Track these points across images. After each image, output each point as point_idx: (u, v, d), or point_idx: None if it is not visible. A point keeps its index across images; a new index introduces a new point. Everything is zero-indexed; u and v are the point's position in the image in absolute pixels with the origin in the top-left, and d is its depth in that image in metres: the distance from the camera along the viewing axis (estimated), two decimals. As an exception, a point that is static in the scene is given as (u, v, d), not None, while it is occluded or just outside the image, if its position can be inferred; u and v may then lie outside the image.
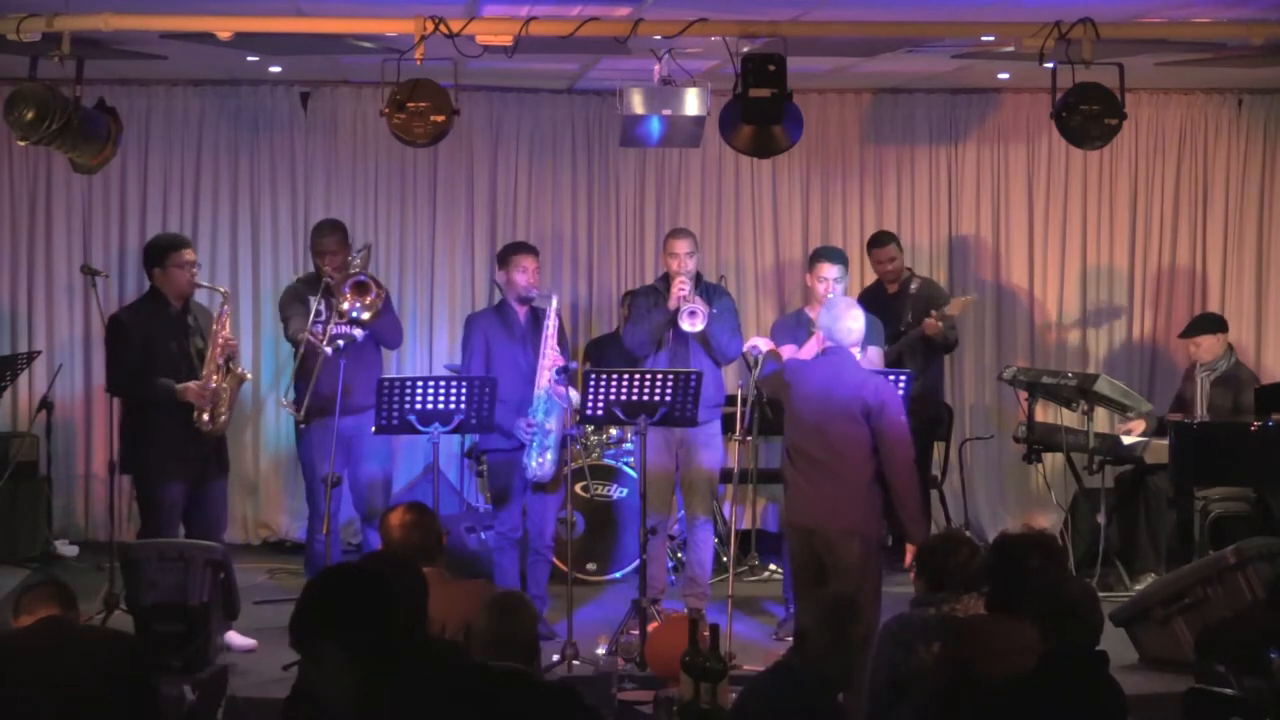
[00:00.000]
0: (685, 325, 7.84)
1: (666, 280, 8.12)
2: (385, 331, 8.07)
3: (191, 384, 7.56)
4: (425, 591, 4.51)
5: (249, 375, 7.87)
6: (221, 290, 7.97)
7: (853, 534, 6.51)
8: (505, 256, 8.07)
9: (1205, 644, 6.08)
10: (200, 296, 7.91)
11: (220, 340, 7.65)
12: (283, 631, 8.47)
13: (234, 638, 7.51)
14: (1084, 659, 4.56)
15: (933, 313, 9.01)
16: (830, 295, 7.85)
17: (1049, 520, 10.11)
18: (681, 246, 8.06)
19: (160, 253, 7.77)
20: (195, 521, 7.68)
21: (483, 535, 8.73)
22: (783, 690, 4.48)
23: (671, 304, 7.91)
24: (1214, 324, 9.25)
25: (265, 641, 7.67)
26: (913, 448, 6.65)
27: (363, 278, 7.81)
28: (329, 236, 8.07)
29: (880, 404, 6.49)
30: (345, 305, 7.74)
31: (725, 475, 9.09)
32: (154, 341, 7.63)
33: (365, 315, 7.79)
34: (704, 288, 8.09)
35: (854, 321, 6.67)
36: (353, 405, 7.67)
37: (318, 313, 7.88)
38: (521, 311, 7.96)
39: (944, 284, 10.16)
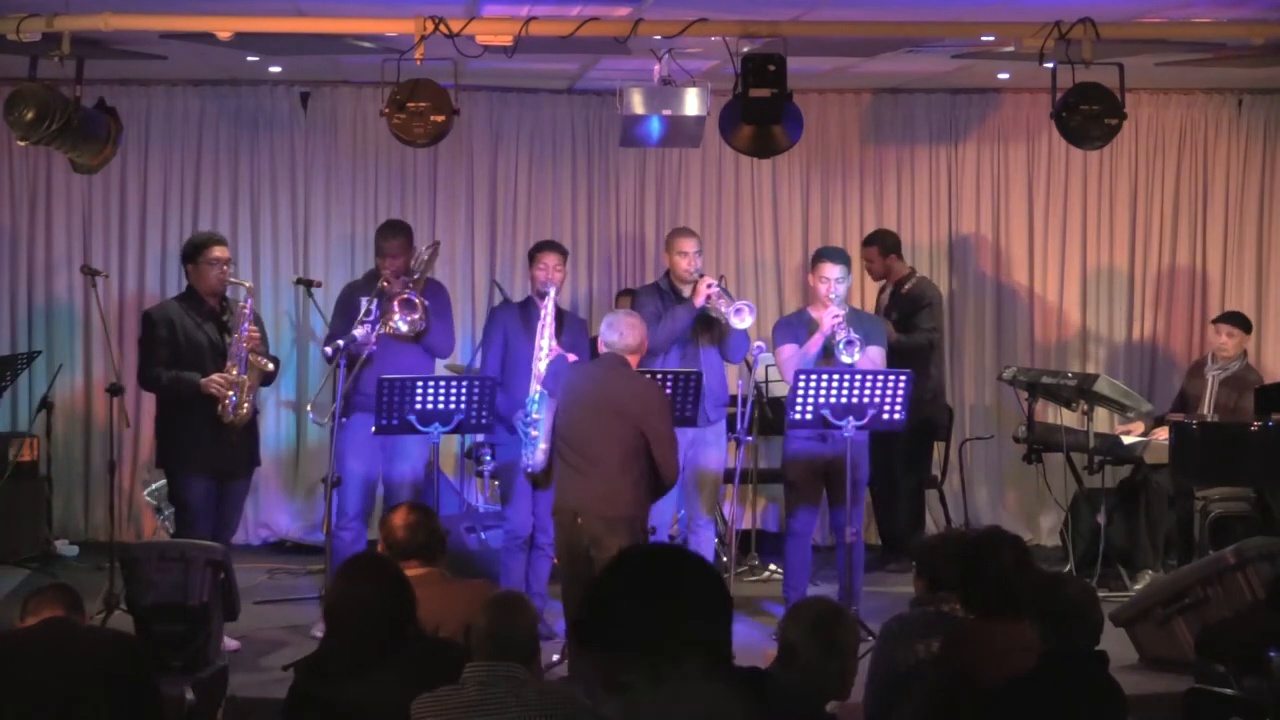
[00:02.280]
0: (736, 322, 7.82)
1: (669, 279, 8.13)
2: (434, 340, 8.08)
3: (215, 376, 7.58)
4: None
5: (271, 367, 7.87)
6: (246, 284, 7.99)
7: (619, 520, 6.69)
8: (531, 254, 8.14)
9: (1205, 644, 6.08)
10: (234, 292, 7.93)
11: (245, 332, 7.68)
12: (283, 631, 8.51)
13: None
14: (1084, 659, 4.56)
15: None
16: (833, 295, 7.86)
17: (1048, 521, 10.14)
18: (691, 245, 8.09)
19: (193, 249, 7.82)
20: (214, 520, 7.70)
21: (483, 535, 8.73)
22: (770, 702, 4.46)
23: (699, 301, 7.91)
24: (1242, 321, 9.26)
25: (266, 642, 7.68)
26: (673, 442, 6.91)
27: (412, 296, 7.84)
28: (391, 240, 8.02)
29: (643, 410, 6.77)
30: (395, 318, 7.78)
31: (725, 475, 9.09)
32: (185, 336, 7.66)
33: (404, 329, 7.83)
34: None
35: (628, 329, 6.89)
36: None
37: (367, 312, 7.88)
38: (543, 309, 7.94)
39: (944, 284, 10.17)
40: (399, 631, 4.59)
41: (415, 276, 7.96)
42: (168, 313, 7.78)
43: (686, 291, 8.03)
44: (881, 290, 9.71)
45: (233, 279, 7.92)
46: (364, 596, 4.58)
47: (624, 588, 2.55)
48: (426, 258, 8.03)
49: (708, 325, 8.01)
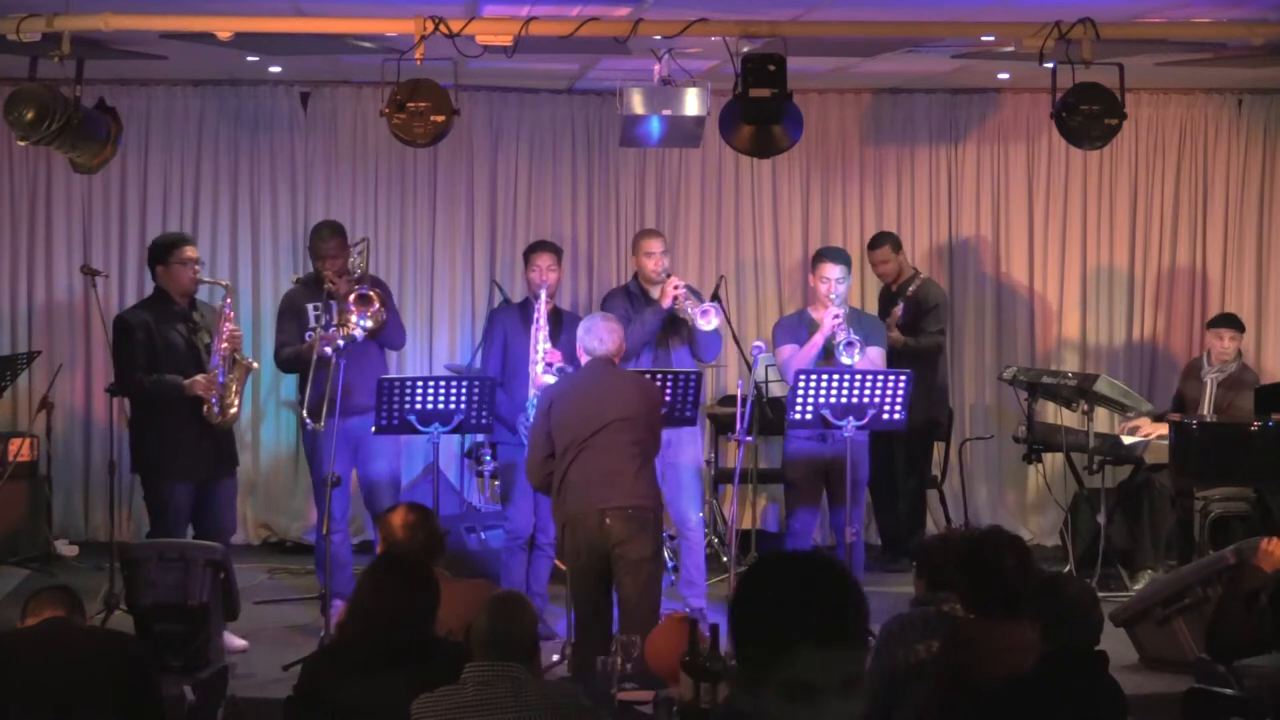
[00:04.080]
0: (702, 324, 7.84)
1: (638, 281, 8.15)
2: (389, 335, 8.09)
3: (199, 377, 7.58)
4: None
5: (256, 365, 7.86)
6: (224, 284, 7.98)
7: (648, 516, 6.66)
8: (525, 255, 8.18)
9: (1213, 644, 6.07)
10: (202, 292, 7.92)
11: (226, 332, 7.67)
12: (283, 631, 8.51)
13: (227, 638, 7.50)
14: (1084, 659, 4.56)
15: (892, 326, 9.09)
16: (833, 296, 7.87)
17: (1048, 520, 10.14)
18: (657, 245, 8.12)
19: (163, 250, 7.80)
20: (202, 523, 7.69)
21: (483, 535, 8.73)
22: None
23: (665, 303, 7.92)
24: (1240, 323, 9.28)
25: (265, 642, 7.68)
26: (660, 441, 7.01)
27: (365, 290, 7.82)
28: (329, 241, 8.06)
29: (651, 408, 6.85)
30: (353, 318, 7.76)
31: (725, 475, 9.09)
32: (160, 339, 7.65)
33: (369, 324, 7.81)
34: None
35: (607, 334, 6.87)
36: (360, 405, 7.67)
37: (318, 317, 7.88)
38: (537, 312, 7.95)
39: (944, 283, 10.15)
40: (418, 637, 4.58)
41: (357, 274, 7.94)
42: (141, 316, 7.76)
43: (655, 293, 8.05)
44: (887, 292, 9.64)
45: (206, 278, 7.91)
46: (401, 601, 4.57)
47: (770, 588, 2.62)
48: (359, 258, 7.99)
49: (678, 326, 8.02)
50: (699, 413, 8.18)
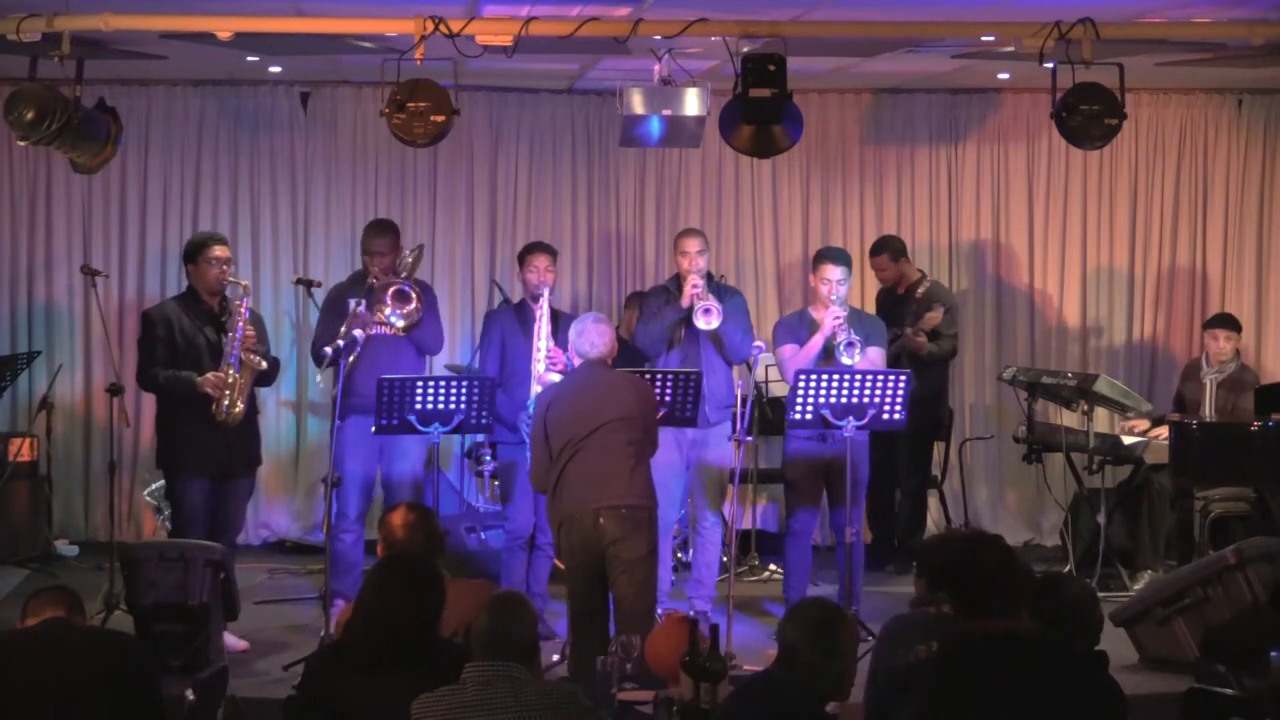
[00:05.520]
0: (700, 323, 7.83)
1: (677, 280, 8.14)
2: (425, 338, 8.10)
3: (209, 375, 7.60)
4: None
5: (264, 365, 7.86)
6: (242, 283, 7.97)
7: (642, 515, 6.65)
8: (520, 256, 8.18)
9: (1210, 644, 6.07)
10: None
11: (240, 332, 7.68)
12: (283, 632, 8.50)
13: (226, 638, 7.50)
14: (1084, 659, 4.55)
15: (909, 330, 9.04)
16: (834, 296, 7.86)
17: (1049, 521, 10.14)
18: (693, 245, 8.08)
19: (193, 249, 7.85)
20: (208, 520, 7.69)
21: (483, 535, 8.73)
22: (769, 703, 4.46)
23: (685, 301, 7.92)
24: (1235, 323, 9.27)
25: (265, 642, 7.68)
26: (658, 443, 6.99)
27: (405, 287, 7.85)
28: (379, 238, 8.10)
29: (646, 408, 6.88)
30: (387, 311, 7.80)
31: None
32: (182, 337, 7.69)
33: (400, 323, 7.84)
34: (714, 287, 8.08)
35: (598, 336, 6.86)
36: None
37: (354, 314, 7.88)
38: (538, 311, 7.95)
39: (944, 283, 10.15)
40: (421, 637, 4.58)
41: (403, 275, 7.98)
42: (165, 312, 7.81)
43: None
44: (890, 294, 9.62)
45: (230, 278, 7.93)
46: (403, 600, 4.57)
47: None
48: (411, 260, 8.04)
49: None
50: (729, 413, 8.18)
